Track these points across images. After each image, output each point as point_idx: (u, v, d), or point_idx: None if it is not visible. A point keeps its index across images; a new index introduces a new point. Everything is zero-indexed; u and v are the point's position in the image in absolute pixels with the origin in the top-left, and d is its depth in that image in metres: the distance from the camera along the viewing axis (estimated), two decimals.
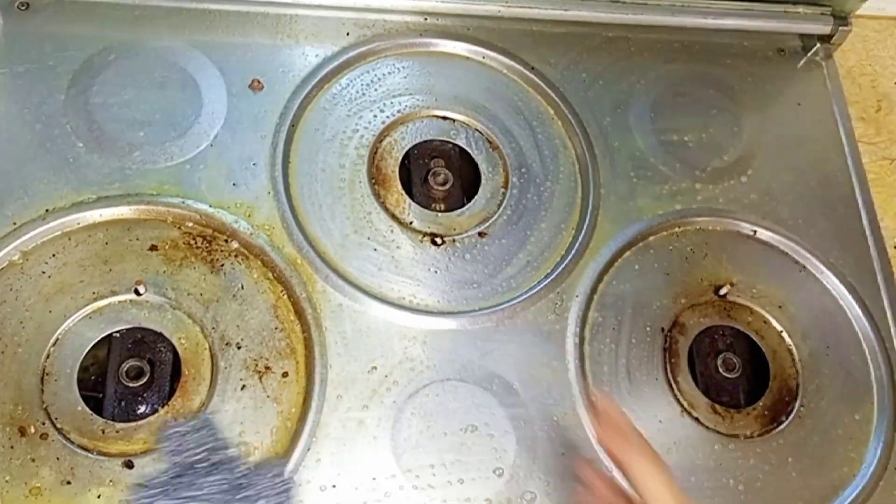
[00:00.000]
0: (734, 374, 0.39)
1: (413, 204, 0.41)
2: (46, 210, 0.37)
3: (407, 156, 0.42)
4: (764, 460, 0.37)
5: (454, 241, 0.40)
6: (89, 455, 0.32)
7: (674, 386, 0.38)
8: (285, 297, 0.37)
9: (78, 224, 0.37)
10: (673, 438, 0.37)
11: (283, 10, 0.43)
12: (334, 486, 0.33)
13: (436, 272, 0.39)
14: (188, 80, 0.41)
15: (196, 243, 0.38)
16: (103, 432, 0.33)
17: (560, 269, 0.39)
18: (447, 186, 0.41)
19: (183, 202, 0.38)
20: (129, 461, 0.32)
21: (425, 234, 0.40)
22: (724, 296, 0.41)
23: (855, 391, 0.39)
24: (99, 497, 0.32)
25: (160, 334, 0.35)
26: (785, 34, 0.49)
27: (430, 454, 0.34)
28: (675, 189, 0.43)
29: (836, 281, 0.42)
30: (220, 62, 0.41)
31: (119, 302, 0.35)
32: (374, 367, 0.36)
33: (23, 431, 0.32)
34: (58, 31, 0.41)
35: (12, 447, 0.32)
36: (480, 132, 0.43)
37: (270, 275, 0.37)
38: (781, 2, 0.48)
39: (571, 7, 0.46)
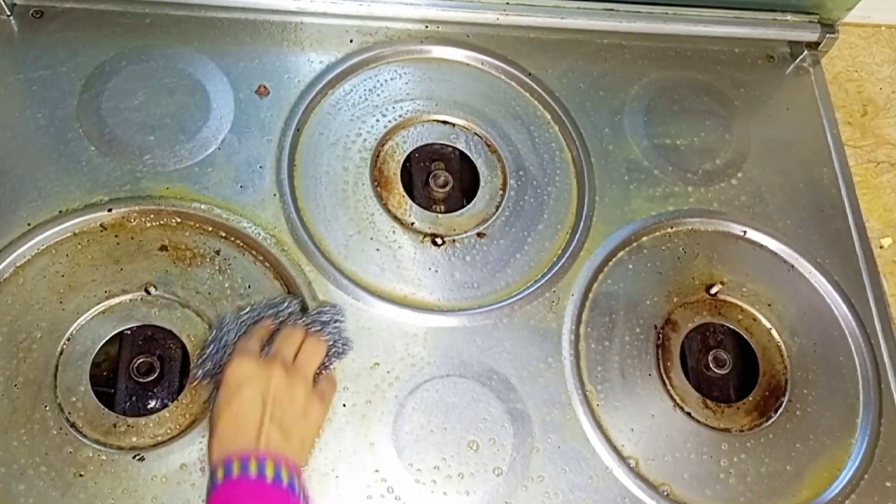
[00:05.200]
0: (725, 370, 0.40)
1: (414, 205, 0.42)
2: (60, 211, 0.38)
3: (408, 159, 0.43)
4: (754, 454, 0.38)
5: (454, 241, 0.41)
6: (102, 448, 0.33)
7: (666, 381, 0.39)
8: (290, 296, 0.38)
9: (90, 225, 0.38)
10: (665, 432, 0.38)
11: (289, 18, 0.45)
12: (337, 477, 0.34)
13: (436, 272, 0.40)
14: (197, 85, 0.42)
15: (204, 243, 0.39)
16: (115, 426, 0.34)
17: (556, 268, 0.40)
18: (447, 188, 0.42)
19: (192, 204, 0.39)
20: (141, 454, 0.33)
21: (426, 235, 0.41)
22: (715, 294, 0.42)
23: (841, 386, 0.41)
24: (111, 489, 0.33)
25: (170, 331, 0.36)
26: (774, 41, 0.50)
27: (430, 448, 0.35)
28: (667, 191, 0.44)
29: (824, 280, 0.43)
30: (227, 68, 0.43)
31: (130, 300, 0.36)
32: (377, 364, 0.37)
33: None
34: (71, 39, 0.42)
35: (27, 442, 0.33)
36: (479, 136, 0.44)
37: (276, 274, 0.38)
38: (770, 10, 0.49)
39: (567, 15, 0.47)
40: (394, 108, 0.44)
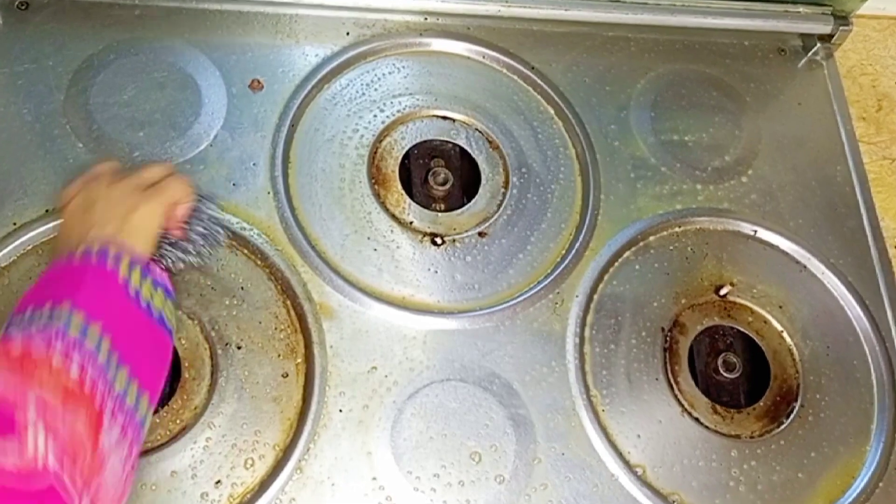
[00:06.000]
0: (734, 374, 0.38)
1: (413, 204, 0.41)
2: (46, 210, 0.36)
3: (407, 156, 0.42)
4: (765, 461, 0.37)
5: (454, 241, 0.40)
6: None
7: (674, 386, 0.38)
8: (285, 297, 0.37)
9: None
10: (673, 438, 0.37)
11: (283, 10, 0.43)
12: (333, 485, 0.33)
13: (436, 272, 0.39)
14: (188, 79, 0.41)
15: None
16: None
17: (560, 269, 0.39)
18: (447, 186, 0.41)
19: None
20: None
21: (425, 234, 0.40)
22: (725, 296, 0.40)
23: (855, 391, 0.39)
24: None
25: None
26: (785, 34, 0.49)
27: (430, 455, 0.34)
28: (675, 189, 0.43)
29: (837, 281, 0.42)
30: (219, 62, 0.41)
31: None
32: (374, 368, 0.36)
33: None
34: (57, 31, 0.41)
35: None
36: (480, 132, 0.43)
37: (270, 275, 0.37)
38: (782, 1, 0.48)
39: (572, 7, 0.45)
40: (392, 103, 0.43)
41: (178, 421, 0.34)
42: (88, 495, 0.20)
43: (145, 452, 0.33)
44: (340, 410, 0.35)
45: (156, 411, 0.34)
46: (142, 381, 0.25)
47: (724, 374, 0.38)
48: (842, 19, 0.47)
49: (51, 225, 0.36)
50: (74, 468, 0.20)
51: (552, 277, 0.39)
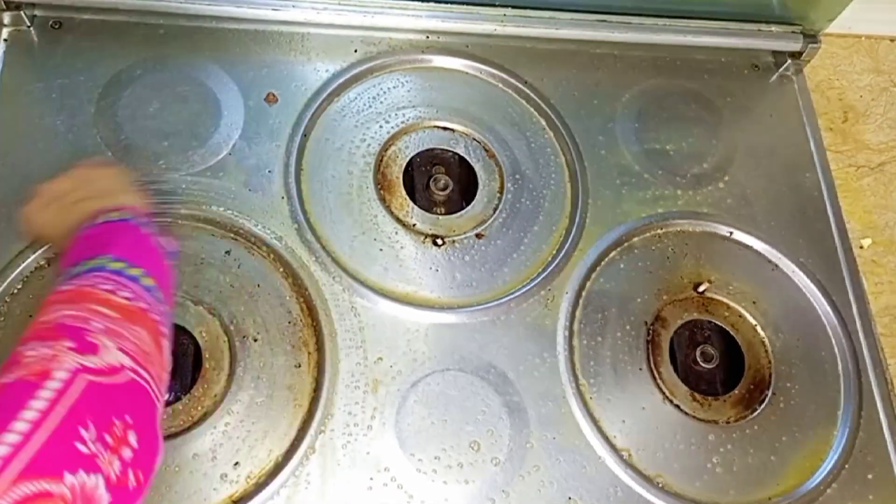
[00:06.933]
0: (712, 364, 0.41)
1: (416, 208, 0.43)
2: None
3: (410, 163, 0.45)
4: (739, 444, 0.39)
5: (454, 241, 0.43)
6: None
7: (656, 375, 0.40)
8: (298, 294, 0.40)
9: None
10: (655, 424, 0.39)
11: (296, 29, 0.46)
12: (338, 465, 0.36)
13: (437, 270, 0.42)
14: (209, 93, 0.44)
15: (216, 244, 0.40)
16: None
17: (551, 268, 0.42)
18: (447, 192, 0.44)
19: (204, 207, 0.40)
20: None
21: (427, 236, 0.43)
22: (703, 292, 0.43)
23: (823, 380, 0.42)
24: None
25: (183, 328, 0.38)
26: (758, 51, 0.52)
27: (431, 439, 0.37)
28: (657, 194, 0.46)
29: (806, 279, 0.45)
30: (238, 77, 0.44)
31: None
32: (380, 358, 0.38)
33: None
34: (89, 49, 0.43)
35: None
36: (478, 141, 0.46)
37: (284, 273, 0.40)
38: (755, 21, 0.51)
39: (562, 26, 0.49)
40: (396, 114, 0.45)
41: (199, 408, 0.36)
42: (160, 386, 0.25)
43: (169, 437, 0.35)
44: (349, 398, 0.37)
45: (178, 399, 0.37)
46: (165, 296, 0.29)
47: (702, 365, 0.41)
48: (810, 37, 0.51)
49: None
50: (149, 366, 0.24)
51: (544, 275, 0.42)
